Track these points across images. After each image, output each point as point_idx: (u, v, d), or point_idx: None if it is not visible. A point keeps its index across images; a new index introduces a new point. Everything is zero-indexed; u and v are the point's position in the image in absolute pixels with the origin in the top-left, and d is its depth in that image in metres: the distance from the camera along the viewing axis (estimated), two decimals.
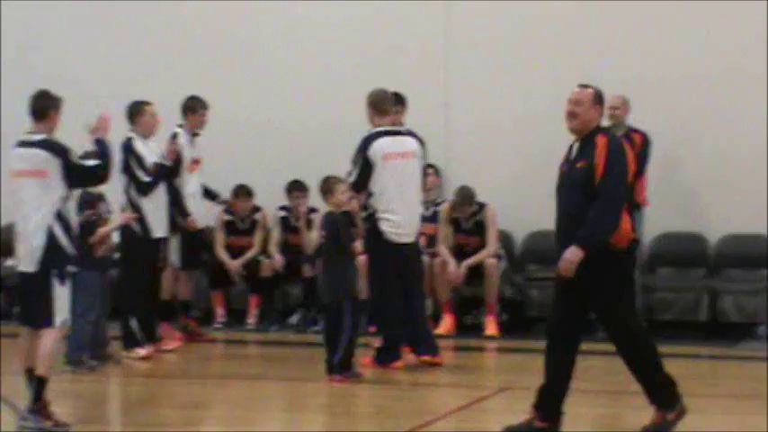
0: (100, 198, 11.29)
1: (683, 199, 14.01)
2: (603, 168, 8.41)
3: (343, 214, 11.11)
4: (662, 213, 13.69)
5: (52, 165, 8.93)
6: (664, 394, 8.75)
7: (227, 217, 14.38)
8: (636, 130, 13.44)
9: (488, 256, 13.69)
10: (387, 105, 11.59)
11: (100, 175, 9.23)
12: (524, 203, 14.14)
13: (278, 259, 14.22)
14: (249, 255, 14.33)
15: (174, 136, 12.98)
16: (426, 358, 11.68)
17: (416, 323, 11.73)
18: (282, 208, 14.40)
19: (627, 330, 8.66)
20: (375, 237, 11.37)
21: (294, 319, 14.39)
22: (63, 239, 8.96)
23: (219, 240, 14.37)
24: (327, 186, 11.07)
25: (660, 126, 13.50)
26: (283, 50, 14.91)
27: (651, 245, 13.99)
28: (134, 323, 12.21)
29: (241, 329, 14.20)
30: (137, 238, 12.26)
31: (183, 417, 10.06)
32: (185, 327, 13.38)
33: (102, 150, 9.21)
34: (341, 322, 10.88)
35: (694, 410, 10.01)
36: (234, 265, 14.24)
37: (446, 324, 13.59)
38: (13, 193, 9.10)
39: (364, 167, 11.38)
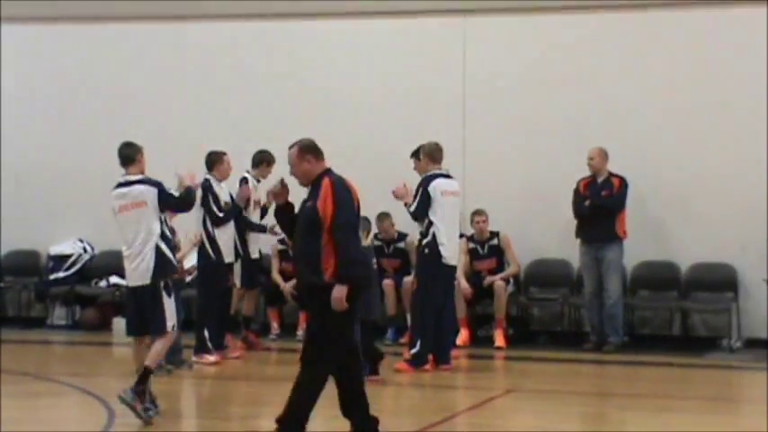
0: (173, 231, 11.39)
1: (658, 233, 13.94)
2: (333, 205, 7.79)
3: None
4: (641, 245, 13.66)
5: (150, 195, 9.32)
6: (295, 425, 8.01)
7: (280, 247, 14.41)
8: (615, 175, 13.49)
9: (515, 273, 13.89)
10: (439, 155, 11.82)
11: (186, 203, 9.78)
12: (528, 235, 14.14)
13: None
14: None
15: (245, 180, 13.03)
16: (444, 366, 11.71)
17: (443, 335, 11.77)
18: None
19: (320, 356, 7.99)
20: (433, 259, 11.45)
21: None
22: (168, 253, 9.34)
23: (275, 266, 14.41)
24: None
25: (636, 172, 13.49)
26: (333, 107, 14.71)
27: (632, 271, 13.95)
28: (206, 333, 12.26)
29: (292, 340, 14.19)
30: (211, 263, 12.37)
31: (244, 412, 10.13)
32: (245, 338, 13.42)
33: (189, 191, 9.74)
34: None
35: (669, 410, 10.04)
36: (286, 286, 14.27)
37: (463, 336, 13.56)
38: (121, 226, 9.40)
39: (424, 200, 11.54)
